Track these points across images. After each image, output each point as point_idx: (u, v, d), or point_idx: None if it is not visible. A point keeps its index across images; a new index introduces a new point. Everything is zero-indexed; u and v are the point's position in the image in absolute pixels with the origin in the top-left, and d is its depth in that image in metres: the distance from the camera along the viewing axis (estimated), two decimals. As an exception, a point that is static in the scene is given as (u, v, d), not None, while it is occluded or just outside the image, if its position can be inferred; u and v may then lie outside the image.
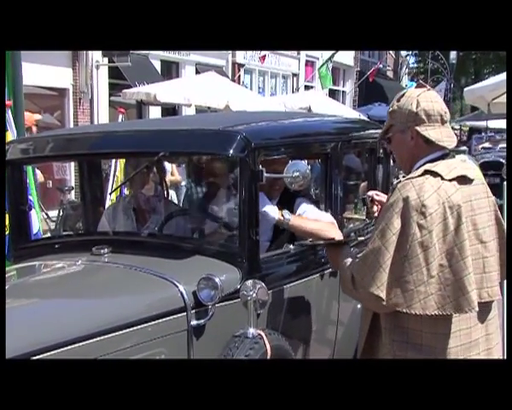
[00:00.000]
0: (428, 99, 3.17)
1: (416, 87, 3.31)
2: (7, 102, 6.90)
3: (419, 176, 3.05)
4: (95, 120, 16.59)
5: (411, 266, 2.94)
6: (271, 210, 3.88)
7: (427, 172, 3.06)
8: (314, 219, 4.05)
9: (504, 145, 21.46)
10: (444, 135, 3.16)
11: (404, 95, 3.24)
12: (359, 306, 4.81)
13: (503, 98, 10.43)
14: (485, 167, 15.14)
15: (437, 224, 2.96)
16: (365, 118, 15.32)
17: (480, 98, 11.56)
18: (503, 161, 14.02)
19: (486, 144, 24.38)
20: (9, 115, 6.87)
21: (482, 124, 26.65)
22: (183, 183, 8.63)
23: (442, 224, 2.97)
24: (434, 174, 3.04)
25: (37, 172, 7.53)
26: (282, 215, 3.90)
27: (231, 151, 3.60)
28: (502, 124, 23.57)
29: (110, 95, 17.51)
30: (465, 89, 12.74)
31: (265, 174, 3.65)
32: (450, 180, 3.04)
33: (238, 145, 3.60)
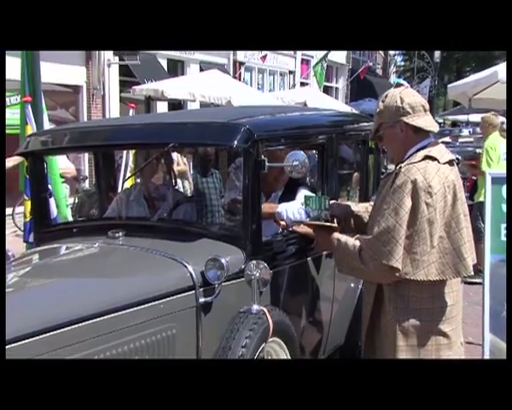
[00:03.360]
0: (409, 94, 3.37)
1: (396, 87, 3.50)
2: (27, 98, 6.90)
3: (420, 161, 3.23)
4: (106, 115, 16.53)
5: (419, 240, 3.15)
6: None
7: (426, 157, 3.24)
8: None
9: (464, 140, 21.02)
10: (428, 121, 3.35)
11: (387, 95, 3.39)
12: (352, 284, 4.85)
13: (483, 94, 10.45)
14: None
15: (439, 201, 3.18)
16: (357, 112, 15.25)
17: (462, 94, 11.55)
18: (459, 158, 13.37)
19: (447, 139, 23.19)
20: (29, 110, 6.86)
21: (464, 118, 26.52)
22: (190, 172, 8.66)
23: (443, 201, 3.20)
24: (433, 159, 3.24)
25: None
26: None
27: (236, 142, 3.61)
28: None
29: (121, 91, 17.45)
30: (448, 85, 12.73)
31: (267, 164, 3.67)
32: (444, 163, 3.26)
33: (242, 137, 3.61)
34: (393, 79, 42.94)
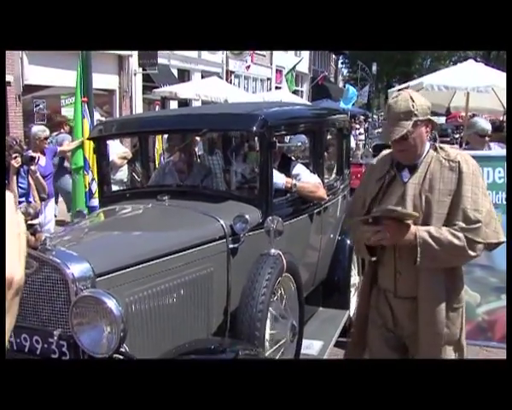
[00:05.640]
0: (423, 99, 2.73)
1: (399, 91, 2.76)
2: (83, 99, 6.81)
3: (448, 151, 2.68)
4: (133, 112, 16.41)
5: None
6: (280, 179, 3.85)
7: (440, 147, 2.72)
8: (311, 183, 4.05)
9: None
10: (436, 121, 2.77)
11: (411, 98, 2.60)
12: (332, 236, 4.86)
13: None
14: (377, 149, 12.66)
15: None
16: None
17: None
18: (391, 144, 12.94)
19: (381, 129, 23.02)
20: (86, 108, 6.77)
21: None
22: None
23: None
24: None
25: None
26: (290, 182, 3.90)
27: (255, 128, 3.57)
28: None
29: (143, 93, 17.30)
30: (389, 90, 12.64)
31: (278, 144, 3.64)
32: None
33: (259, 124, 3.56)
34: (341, 84, 43.21)
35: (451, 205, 2.56)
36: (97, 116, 8.11)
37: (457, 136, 20.69)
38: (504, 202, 4.48)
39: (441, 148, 2.69)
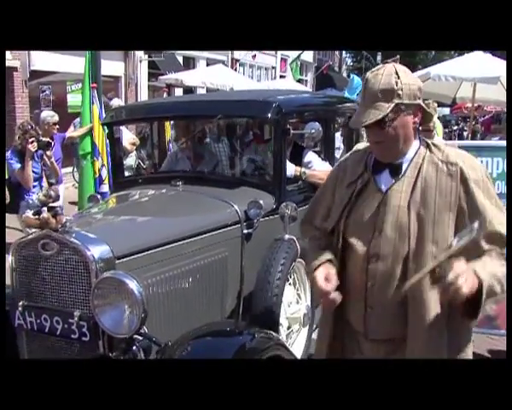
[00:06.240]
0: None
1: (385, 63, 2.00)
2: (93, 85, 6.80)
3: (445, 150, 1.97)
4: (139, 99, 16.36)
5: None
6: (290, 168, 3.86)
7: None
8: (322, 171, 4.04)
9: None
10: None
11: (395, 73, 1.89)
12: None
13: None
14: None
15: None
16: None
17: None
18: None
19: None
20: (95, 94, 6.78)
21: None
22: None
23: None
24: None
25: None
26: (300, 171, 3.90)
27: (269, 115, 3.57)
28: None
29: (149, 80, 17.25)
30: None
31: (292, 131, 3.64)
32: None
33: (274, 111, 3.56)
34: (345, 74, 43.00)
35: (458, 224, 1.87)
36: (118, 102, 8.15)
37: (456, 127, 20.68)
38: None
39: (435, 145, 1.97)
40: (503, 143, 5.11)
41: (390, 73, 1.89)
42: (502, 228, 1.86)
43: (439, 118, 10.51)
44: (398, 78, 1.87)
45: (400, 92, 1.86)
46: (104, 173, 6.47)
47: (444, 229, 1.86)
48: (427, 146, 1.98)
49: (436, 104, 9.64)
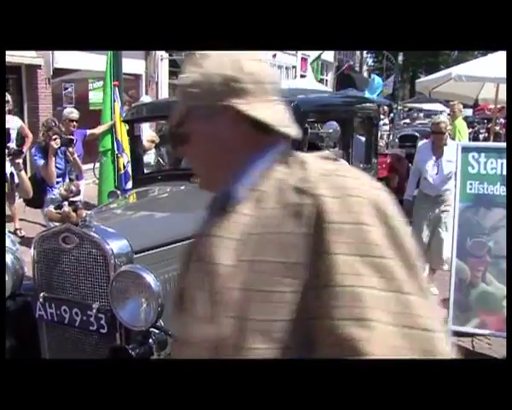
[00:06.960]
0: (254, 57, 1.18)
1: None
2: (115, 83, 6.89)
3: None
4: (159, 97, 16.48)
5: None
6: None
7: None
8: None
9: (420, 121, 20.72)
10: (281, 116, 1.23)
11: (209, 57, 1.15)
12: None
13: (440, 88, 10.29)
14: (404, 140, 13.10)
15: None
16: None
17: (424, 87, 11.35)
18: (418, 135, 13.09)
19: (407, 120, 22.80)
20: (117, 92, 6.86)
21: (417, 105, 27.04)
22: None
23: None
24: None
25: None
26: None
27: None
28: (432, 106, 23.54)
29: (169, 79, 17.38)
30: (416, 81, 12.50)
31: (310, 130, 3.66)
32: None
33: (292, 110, 3.57)
34: (366, 74, 42.83)
35: (300, 306, 1.00)
36: (147, 99, 8.18)
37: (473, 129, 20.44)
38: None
39: (302, 161, 1.13)
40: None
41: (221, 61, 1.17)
42: (358, 330, 0.99)
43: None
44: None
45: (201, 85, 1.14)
46: (130, 170, 6.53)
47: (274, 308, 1.01)
48: (286, 162, 1.15)
49: (462, 105, 9.64)
